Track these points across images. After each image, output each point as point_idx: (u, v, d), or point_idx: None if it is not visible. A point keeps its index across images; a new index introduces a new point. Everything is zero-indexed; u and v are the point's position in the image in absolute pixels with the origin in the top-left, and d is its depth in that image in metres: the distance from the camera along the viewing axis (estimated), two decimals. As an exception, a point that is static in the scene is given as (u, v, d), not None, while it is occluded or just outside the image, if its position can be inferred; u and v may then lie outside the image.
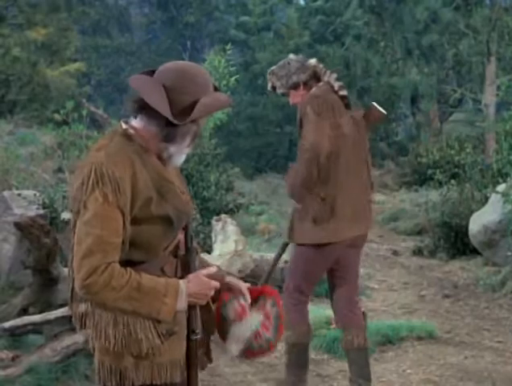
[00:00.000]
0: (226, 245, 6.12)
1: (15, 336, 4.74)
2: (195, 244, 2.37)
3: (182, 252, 2.34)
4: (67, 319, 4.57)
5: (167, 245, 2.28)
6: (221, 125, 10.20)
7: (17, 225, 5.43)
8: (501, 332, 5.82)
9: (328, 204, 3.91)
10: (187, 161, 2.29)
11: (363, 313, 4.27)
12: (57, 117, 10.02)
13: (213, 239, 6.41)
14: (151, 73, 2.28)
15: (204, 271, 2.29)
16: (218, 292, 2.35)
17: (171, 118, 2.18)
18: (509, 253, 7.20)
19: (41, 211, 6.48)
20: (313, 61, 4.08)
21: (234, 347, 2.47)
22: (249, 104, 19.53)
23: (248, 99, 19.55)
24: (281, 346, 4.17)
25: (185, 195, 2.35)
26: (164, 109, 2.18)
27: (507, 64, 17.49)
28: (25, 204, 6.60)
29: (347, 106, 4.03)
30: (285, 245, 4.36)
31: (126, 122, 2.27)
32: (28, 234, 5.31)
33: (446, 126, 20.91)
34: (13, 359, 4.47)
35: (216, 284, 2.29)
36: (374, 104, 4.22)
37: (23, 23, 19.61)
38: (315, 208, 3.93)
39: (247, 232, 8.72)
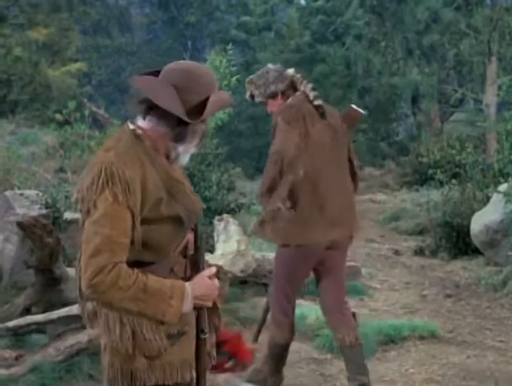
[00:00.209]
0: (228, 245, 6.13)
1: (19, 336, 4.75)
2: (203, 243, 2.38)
3: (191, 251, 2.34)
4: (70, 319, 4.58)
5: (176, 245, 2.29)
6: (222, 125, 10.19)
7: (19, 225, 5.44)
8: (503, 332, 5.82)
9: (301, 209, 3.98)
10: (189, 160, 2.32)
11: (353, 313, 4.32)
12: (59, 116, 10.05)
13: (215, 238, 6.41)
14: (154, 74, 2.29)
15: (206, 272, 2.30)
16: None
17: (185, 118, 2.19)
18: (511, 253, 7.21)
19: (43, 211, 6.48)
20: (291, 71, 4.18)
21: None
22: (250, 104, 19.36)
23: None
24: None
25: (194, 194, 2.36)
26: (177, 109, 2.19)
27: (508, 64, 17.49)
28: (27, 204, 6.60)
29: (322, 115, 4.11)
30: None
31: (133, 123, 2.28)
32: (31, 234, 5.32)
33: (447, 126, 20.91)
34: (16, 358, 4.48)
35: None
36: (352, 105, 4.37)
37: (25, 23, 19.64)
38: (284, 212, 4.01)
39: (249, 231, 8.72)
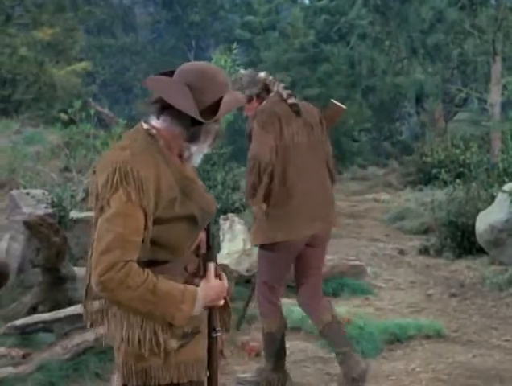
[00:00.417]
0: (234, 244, 6.16)
1: (26, 334, 4.77)
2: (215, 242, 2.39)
3: (203, 250, 2.36)
4: (77, 317, 4.59)
5: (190, 244, 2.30)
6: (227, 125, 10.22)
7: (26, 224, 5.47)
8: (508, 331, 5.82)
9: (279, 209, 4.14)
10: (196, 160, 2.37)
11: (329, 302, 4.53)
12: (64, 116, 10.06)
13: (221, 238, 6.44)
14: (168, 74, 2.30)
15: (212, 273, 2.30)
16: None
17: (199, 118, 2.20)
18: (516, 252, 7.21)
19: (50, 210, 6.51)
20: (263, 74, 4.33)
21: None
22: (255, 103, 19.47)
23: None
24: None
25: (208, 194, 2.38)
26: (191, 109, 2.20)
27: (512, 64, 17.48)
28: (33, 203, 6.63)
29: (297, 113, 4.24)
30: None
31: (147, 122, 2.29)
32: (37, 233, 5.35)
33: (451, 125, 20.88)
34: (24, 356, 4.50)
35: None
36: (333, 100, 4.58)
37: (30, 23, 19.69)
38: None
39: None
